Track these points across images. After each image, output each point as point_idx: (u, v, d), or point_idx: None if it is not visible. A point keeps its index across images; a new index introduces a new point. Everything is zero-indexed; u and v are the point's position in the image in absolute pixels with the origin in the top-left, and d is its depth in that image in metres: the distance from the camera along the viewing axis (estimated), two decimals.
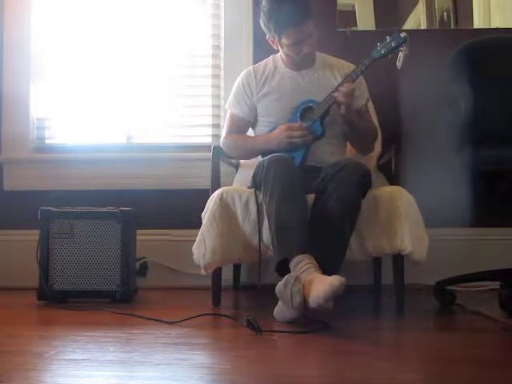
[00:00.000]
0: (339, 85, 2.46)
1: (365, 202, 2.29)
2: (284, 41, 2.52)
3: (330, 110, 2.50)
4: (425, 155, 2.93)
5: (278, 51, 2.66)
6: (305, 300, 1.94)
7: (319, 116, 2.49)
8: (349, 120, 2.47)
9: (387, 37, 2.44)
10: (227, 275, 2.77)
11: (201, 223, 2.38)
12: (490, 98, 2.52)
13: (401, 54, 2.41)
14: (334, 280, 1.90)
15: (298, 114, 2.55)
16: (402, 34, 2.42)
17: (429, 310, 2.47)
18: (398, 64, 2.42)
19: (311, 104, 2.53)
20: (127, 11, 3.26)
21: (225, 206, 2.36)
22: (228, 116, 2.73)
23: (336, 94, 2.42)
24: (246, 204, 2.36)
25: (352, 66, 2.66)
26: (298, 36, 2.48)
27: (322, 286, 1.90)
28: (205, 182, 2.68)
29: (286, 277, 1.99)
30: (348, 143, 2.70)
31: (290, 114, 2.57)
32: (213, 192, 2.46)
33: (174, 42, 3.26)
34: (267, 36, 2.58)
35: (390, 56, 2.43)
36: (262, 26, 2.57)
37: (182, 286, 2.99)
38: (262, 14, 2.54)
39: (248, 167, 2.71)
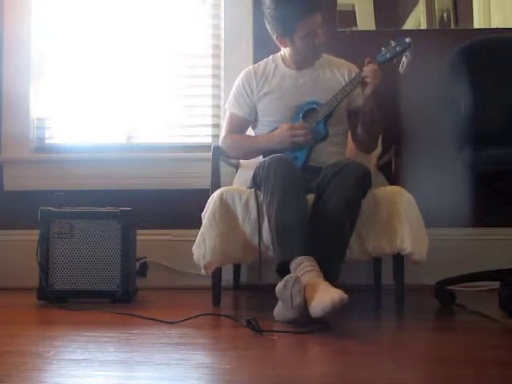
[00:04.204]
0: (357, 74, 2.47)
1: (365, 202, 2.29)
2: (298, 33, 2.49)
3: (333, 112, 2.50)
4: (425, 155, 2.92)
5: (282, 50, 2.66)
6: (306, 302, 1.94)
7: (323, 117, 2.49)
8: (370, 105, 2.45)
9: (391, 41, 2.44)
10: (227, 275, 2.77)
11: (201, 223, 2.38)
12: (490, 98, 2.52)
13: (404, 60, 2.40)
14: (336, 295, 1.87)
15: (301, 115, 2.55)
16: (407, 39, 2.41)
17: (429, 310, 2.47)
18: (401, 69, 2.41)
19: (315, 106, 2.53)
20: (127, 11, 3.26)
21: (225, 206, 2.36)
22: (227, 116, 2.73)
23: (364, 74, 2.42)
24: (246, 204, 2.36)
25: (352, 66, 2.67)
26: (311, 25, 2.48)
27: (323, 298, 1.88)
28: (205, 182, 2.68)
29: (285, 277, 1.99)
30: (349, 143, 2.70)
31: (290, 113, 2.57)
32: (213, 192, 2.46)
33: (174, 42, 3.26)
34: (274, 35, 2.57)
35: (395, 61, 2.43)
36: (269, 25, 2.56)
37: (182, 286, 2.99)
38: (268, 13, 2.53)
39: (248, 167, 2.71)
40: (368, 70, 2.41)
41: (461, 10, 3.15)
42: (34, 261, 2.58)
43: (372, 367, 1.55)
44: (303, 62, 2.63)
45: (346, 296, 1.88)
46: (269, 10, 2.53)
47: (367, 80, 2.42)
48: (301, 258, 2.06)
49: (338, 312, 1.89)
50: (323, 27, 2.54)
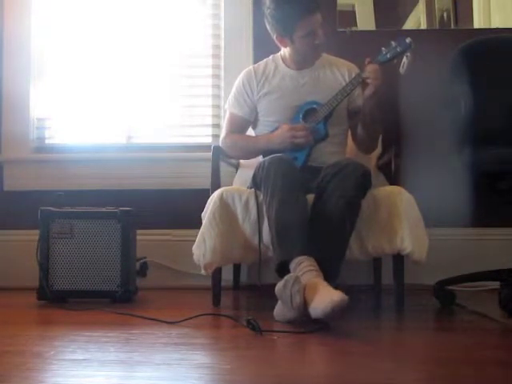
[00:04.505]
0: (357, 75, 2.47)
1: (365, 202, 2.29)
2: (298, 33, 2.49)
3: (333, 112, 2.50)
4: (425, 155, 2.93)
5: (282, 50, 2.66)
6: (305, 302, 1.94)
7: (323, 118, 2.49)
8: (371, 106, 2.45)
9: (392, 42, 2.44)
10: (227, 275, 2.77)
11: (201, 223, 2.38)
12: (490, 98, 2.52)
13: (405, 60, 2.40)
14: (336, 297, 1.87)
15: (301, 115, 2.55)
16: (407, 40, 2.41)
17: (429, 310, 2.47)
18: (402, 70, 2.41)
19: (315, 106, 2.53)
20: (127, 11, 3.26)
21: (225, 206, 2.36)
22: (228, 116, 2.73)
23: (365, 74, 2.42)
24: (246, 204, 2.36)
25: (352, 66, 2.67)
26: (311, 25, 2.48)
27: (323, 299, 1.88)
28: (205, 182, 2.68)
29: (285, 277, 1.99)
30: (349, 143, 2.70)
31: (290, 113, 2.57)
32: (213, 192, 2.46)
33: (174, 42, 3.26)
34: (274, 35, 2.56)
35: (395, 61, 2.43)
36: (269, 25, 2.56)
37: (182, 286, 2.99)
38: (268, 12, 2.53)
39: (248, 167, 2.71)
40: (369, 70, 2.41)
41: (461, 10, 3.15)
42: (34, 261, 2.58)
43: (372, 367, 1.55)
44: (303, 61, 2.63)
45: (346, 297, 1.88)
46: (269, 10, 2.53)
47: (368, 81, 2.42)
48: (300, 258, 2.06)
49: (338, 314, 1.88)
50: (323, 27, 2.54)
